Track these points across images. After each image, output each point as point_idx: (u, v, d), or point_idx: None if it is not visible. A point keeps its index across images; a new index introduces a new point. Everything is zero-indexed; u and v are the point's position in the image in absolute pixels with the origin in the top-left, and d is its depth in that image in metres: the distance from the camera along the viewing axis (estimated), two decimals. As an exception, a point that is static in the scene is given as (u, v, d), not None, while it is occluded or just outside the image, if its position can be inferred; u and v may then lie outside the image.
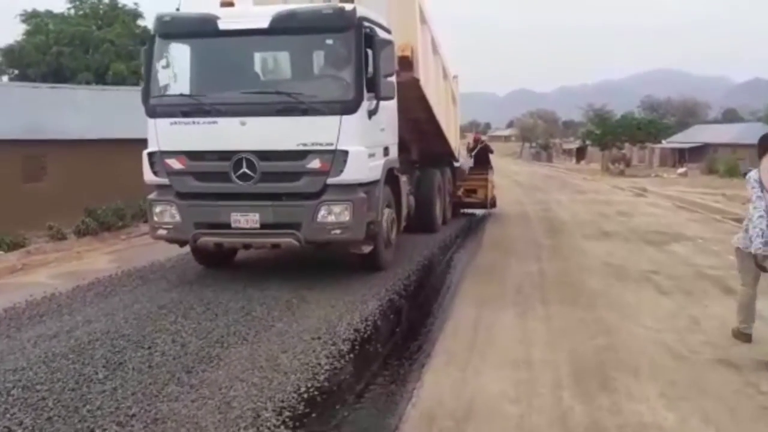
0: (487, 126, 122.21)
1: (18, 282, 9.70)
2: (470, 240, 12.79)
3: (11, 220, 15.22)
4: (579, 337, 6.32)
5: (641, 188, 27.93)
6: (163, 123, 8.24)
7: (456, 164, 15.04)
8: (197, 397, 4.80)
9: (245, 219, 7.96)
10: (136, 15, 38.17)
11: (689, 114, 76.62)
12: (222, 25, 8.03)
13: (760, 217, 5.69)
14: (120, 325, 6.59)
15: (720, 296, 8.02)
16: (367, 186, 8.17)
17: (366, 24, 8.02)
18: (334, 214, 7.83)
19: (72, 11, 37.54)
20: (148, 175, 8.59)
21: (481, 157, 17.01)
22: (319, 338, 6.13)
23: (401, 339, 6.45)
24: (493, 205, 16.84)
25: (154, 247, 12.63)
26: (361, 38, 7.86)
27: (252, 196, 7.98)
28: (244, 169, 7.89)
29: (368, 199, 8.09)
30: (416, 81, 9.82)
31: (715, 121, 76.29)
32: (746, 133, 56.36)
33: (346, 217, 7.82)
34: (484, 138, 20.21)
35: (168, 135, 8.21)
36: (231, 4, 8.91)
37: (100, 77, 34.21)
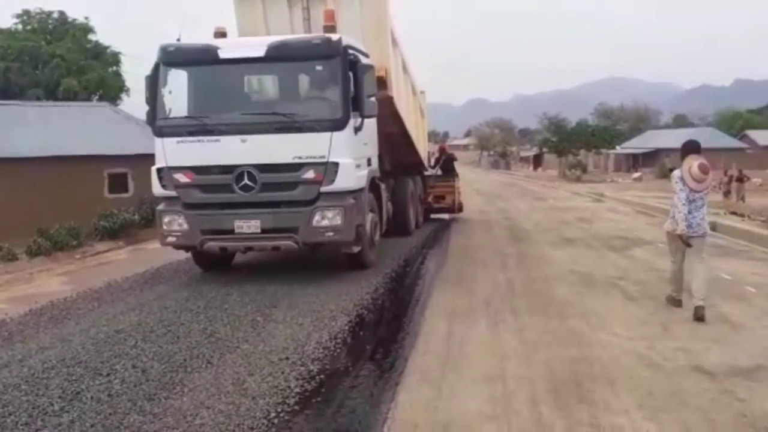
0: (446, 135, 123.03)
1: (-34, 308, 9.25)
2: (436, 248, 12.71)
3: (-42, 241, 14.62)
4: (552, 349, 6.23)
5: (599, 194, 28.34)
6: (170, 142, 9.07)
7: (426, 173, 16.14)
8: (161, 427, 4.55)
9: (247, 225, 8.91)
10: (86, 29, 37.45)
11: (641, 120, 78.37)
12: (222, 54, 8.99)
13: (683, 205, 7.29)
14: (76, 351, 6.26)
15: (686, 300, 8.01)
16: (355, 193, 9.15)
17: (350, 51, 9.09)
18: (327, 219, 8.84)
19: (19, 26, 36.60)
20: (157, 189, 9.31)
21: (447, 166, 17.90)
22: (287, 359, 5.92)
23: (372, 357, 6.26)
24: (460, 209, 17.90)
25: (109, 266, 12.29)
26: (347, 64, 8.89)
27: (253, 205, 8.92)
28: (246, 181, 8.84)
29: (356, 205, 9.09)
30: (390, 98, 10.66)
31: (667, 127, 78.07)
32: (697, 137, 57.55)
33: (338, 220, 8.82)
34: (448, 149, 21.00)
35: (175, 152, 9.03)
36: (224, 35, 10.02)
37: (51, 93, 33.41)
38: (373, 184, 10.18)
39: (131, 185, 20.40)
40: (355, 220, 9.04)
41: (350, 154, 8.99)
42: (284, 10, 10.81)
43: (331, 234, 8.84)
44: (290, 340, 6.47)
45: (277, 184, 8.89)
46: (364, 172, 9.58)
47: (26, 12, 36.57)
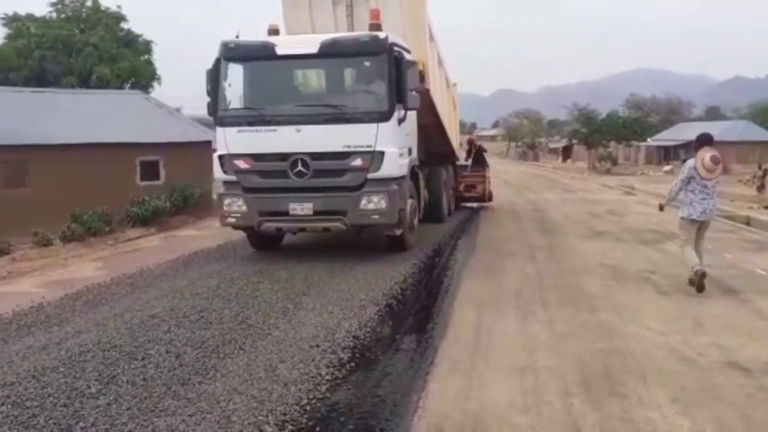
0: (473, 126, 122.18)
1: (3, 291, 9.48)
2: (464, 238, 12.69)
3: (-6, 226, 14.91)
4: (583, 342, 6.20)
5: (629, 186, 28.00)
6: (231, 131, 9.91)
7: (457, 163, 16.92)
8: (195, 411, 4.62)
9: (301, 207, 9.75)
10: (119, 18, 37.70)
11: (673, 112, 77.00)
12: (279, 51, 9.78)
13: (696, 194, 8.06)
14: (112, 335, 6.38)
15: (720, 296, 7.95)
16: (398, 180, 9.95)
17: (395, 48, 9.77)
18: (373, 203, 9.64)
19: (54, 15, 37.02)
20: (218, 174, 10.24)
21: (478, 157, 18.68)
22: (317, 346, 5.97)
23: (402, 346, 6.28)
24: (490, 199, 18.68)
25: (141, 253, 12.45)
26: (392, 60, 9.62)
27: (306, 189, 9.72)
28: (300, 168, 9.65)
29: (399, 191, 9.89)
30: (427, 91, 11.18)
31: (699, 119, 76.71)
32: (730, 130, 56.74)
33: (383, 204, 9.63)
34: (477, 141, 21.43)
35: (236, 141, 9.87)
36: (277, 32, 10.85)
37: (84, 81, 33.77)
38: (413, 172, 10.98)
39: (162, 173, 20.59)
40: (398, 205, 9.84)
41: (394, 144, 9.74)
42: (329, 8, 11.75)
43: (376, 217, 9.69)
44: (320, 327, 6.52)
45: (327, 171, 9.67)
46: (406, 161, 10.37)
47: (61, 1, 36.98)
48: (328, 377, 5.26)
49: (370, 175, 9.58)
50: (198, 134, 22.13)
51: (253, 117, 9.85)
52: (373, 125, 9.52)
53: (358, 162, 9.56)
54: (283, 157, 9.70)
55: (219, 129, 10.06)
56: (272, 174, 9.90)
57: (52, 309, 7.62)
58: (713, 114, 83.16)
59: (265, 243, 11.12)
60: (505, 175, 35.36)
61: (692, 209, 8.15)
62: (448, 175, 15.36)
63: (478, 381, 5.25)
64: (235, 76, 10.18)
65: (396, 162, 9.80)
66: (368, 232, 10.52)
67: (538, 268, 9.75)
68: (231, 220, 10.20)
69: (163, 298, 7.92)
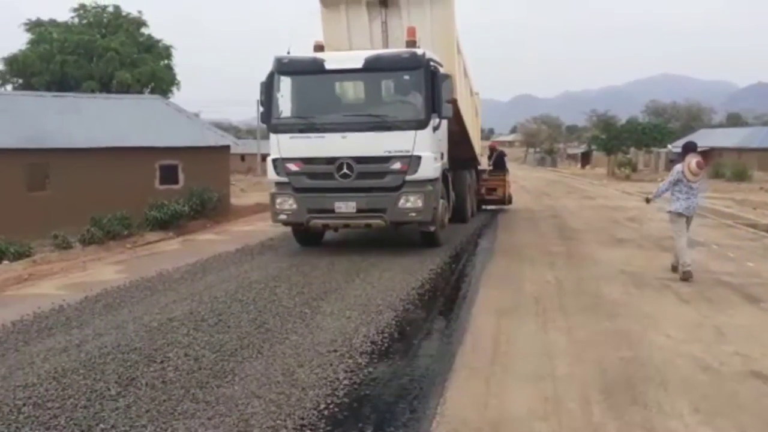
0: (491, 131, 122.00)
1: (25, 293, 9.55)
2: (483, 244, 12.64)
3: (15, 228, 15.12)
4: (603, 349, 6.13)
5: (649, 193, 27.72)
6: (284, 137, 11.04)
7: (479, 167, 18.06)
8: (214, 415, 4.62)
9: (346, 206, 10.87)
10: (139, 23, 38.13)
11: (693, 118, 76.33)
12: (327, 66, 10.91)
13: (683, 193, 9.29)
14: (131, 338, 6.43)
15: (743, 304, 7.84)
16: (432, 181, 10.99)
17: (431, 63, 10.82)
18: (410, 202, 10.74)
19: (75, 20, 37.49)
20: (272, 175, 11.35)
21: (498, 161, 19.74)
22: (335, 351, 5.97)
23: (419, 352, 6.26)
24: (510, 201, 19.57)
25: (160, 256, 12.52)
26: (429, 74, 10.68)
27: (350, 189, 10.81)
28: (345, 170, 10.72)
29: (433, 191, 10.97)
30: (454, 101, 11.71)
31: (720, 126, 75.97)
32: (752, 137, 56.13)
33: (419, 204, 10.73)
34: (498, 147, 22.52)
35: (287, 146, 11.00)
36: (322, 48, 12.01)
37: (105, 86, 34.16)
38: (443, 175, 11.92)
39: (181, 177, 20.76)
40: (432, 204, 10.92)
41: (430, 149, 10.80)
42: (365, 25, 12.80)
43: (413, 215, 10.79)
44: (338, 332, 6.53)
45: (370, 173, 10.76)
46: (439, 164, 11.35)
47: (82, 6, 37.41)
48: (345, 381, 5.25)
49: (408, 177, 10.63)
50: (216, 139, 22.30)
51: (303, 125, 10.95)
52: (411, 132, 10.58)
53: (397, 165, 10.62)
54: (330, 160, 10.77)
55: (272, 135, 11.20)
56: (320, 176, 10.96)
57: (72, 311, 7.68)
58: (734, 120, 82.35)
59: (310, 239, 12.17)
60: (523, 181, 35.19)
61: (679, 205, 9.34)
62: (471, 178, 16.44)
63: (496, 388, 5.21)
64: (285, 87, 11.27)
65: (431, 165, 10.81)
66: (403, 229, 11.64)
67: (557, 275, 9.67)
68: (282, 216, 11.28)
69: (182, 301, 7.96)
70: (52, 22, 36.90)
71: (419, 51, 10.72)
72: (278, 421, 4.49)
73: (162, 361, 5.71)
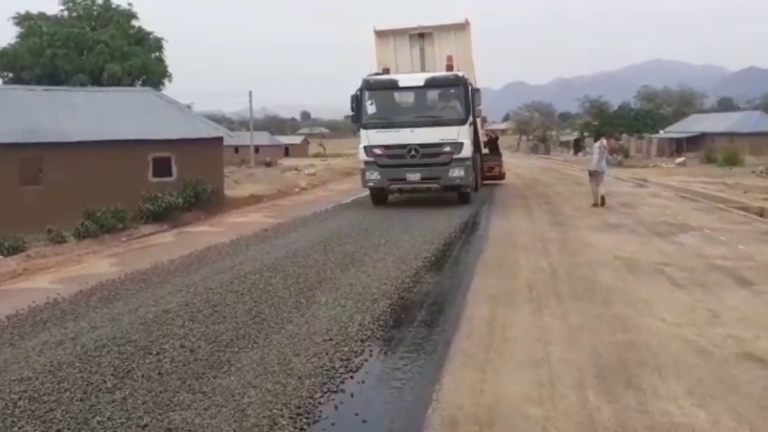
0: (484, 120, 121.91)
1: (19, 287, 9.53)
2: (475, 233, 12.66)
3: (9, 223, 15.05)
4: (597, 334, 6.16)
5: (642, 179, 27.79)
6: (372, 132, 16.76)
7: (483, 151, 23.50)
8: (210, 405, 4.64)
9: (413, 176, 16.69)
10: (130, 16, 37.91)
11: (685, 103, 76.43)
12: (401, 84, 17.05)
13: (598, 159, 16.83)
14: (126, 330, 6.43)
15: (735, 288, 7.88)
16: (469, 159, 16.87)
17: (468, 82, 17.18)
18: (456, 172, 16.51)
19: (65, 13, 37.26)
20: (362, 156, 17.02)
21: (492, 146, 25.67)
22: (330, 340, 6.00)
23: (415, 339, 6.27)
24: (503, 177, 25.00)
25: (154, 249, 12.50)
26: (466, 88, 16.86)
27: (416, 165, 16.51)
28: (413, 152, 16.34)
29: (471, 165, 17.07)
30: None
31: (712, 111, 76.09)
32: (743, 121, 56.27)
33: (462, 173, 16.58)
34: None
35: (374, 137, 16.75)
36: (388, 71, 18.11)
37: (95, 79, 33.98)
38: (473, 156, 17.80)
39: (174, 169, 20.69)
40: (471, 174, 17.10)
41: (467, 138, 16.77)
42: (407, 50, 19.88)
43: (458, 181, 16.63)
44: (333, 321, 6.55)
45: (429, 154, 16.32)
46: (472, 148, 17.37)
47: (72, -1, 37.19)
48: (341, 370, 5.28)
49: (454, 156, 16.35)
50: (209, 130, 22.21)
51: (384, 123, 16.65)
52: (456, 127, 16.43)
53: (447, 149, 16.35)
54: (402, 146, 16.39)
55: (362, 131, 16.83)
56: (396, 156, 16.46)
57: (67, 305, 7.67)
58: (726, 105, 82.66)
59: (382, 199, 17.86)
60: (515, 168, 35.13)
61: (592, 166, 16.86)
62: (478, 159, 21.36)
63: (492, 374, 5.23)
64: (371, 98, 16.84)
65: (468, 149, 16.72)
66: (450, 192, 17.41)
67: (551, 261, 9.70)
68: (371, 183, 17.09)
69: (177, 293, 7.97)
70: (42, 16, 36.66)
71: (460, 73, 16.95)
72: (275, 410, 4.51)
73: (158, 353, 5.72)
